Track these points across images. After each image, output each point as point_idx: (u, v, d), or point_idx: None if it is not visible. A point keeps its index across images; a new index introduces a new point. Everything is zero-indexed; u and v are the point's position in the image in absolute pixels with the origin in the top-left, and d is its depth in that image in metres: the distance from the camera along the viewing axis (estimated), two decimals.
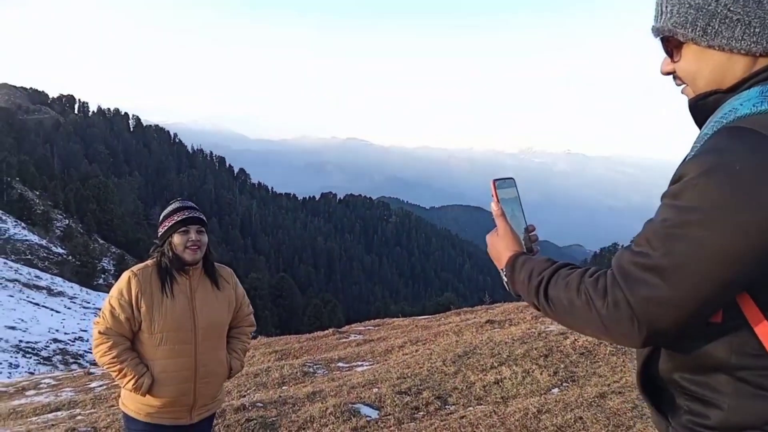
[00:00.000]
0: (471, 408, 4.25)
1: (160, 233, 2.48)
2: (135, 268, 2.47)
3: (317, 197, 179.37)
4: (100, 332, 2.37)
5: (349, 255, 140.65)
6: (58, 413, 5.87)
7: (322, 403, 4.60)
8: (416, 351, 6.83)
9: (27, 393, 8.48)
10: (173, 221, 2.44)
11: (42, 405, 6.24)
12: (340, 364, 6.88)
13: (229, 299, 2.62)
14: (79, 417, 5.44)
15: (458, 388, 4.69)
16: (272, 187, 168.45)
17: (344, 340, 9.31)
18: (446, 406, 4.36)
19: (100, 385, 8.30)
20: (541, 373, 4.71)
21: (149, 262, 2.50)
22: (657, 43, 0.99)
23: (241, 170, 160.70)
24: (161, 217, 2.52)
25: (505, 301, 12.85)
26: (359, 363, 6.87)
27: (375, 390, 4.83)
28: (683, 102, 1.01)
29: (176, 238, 2.42)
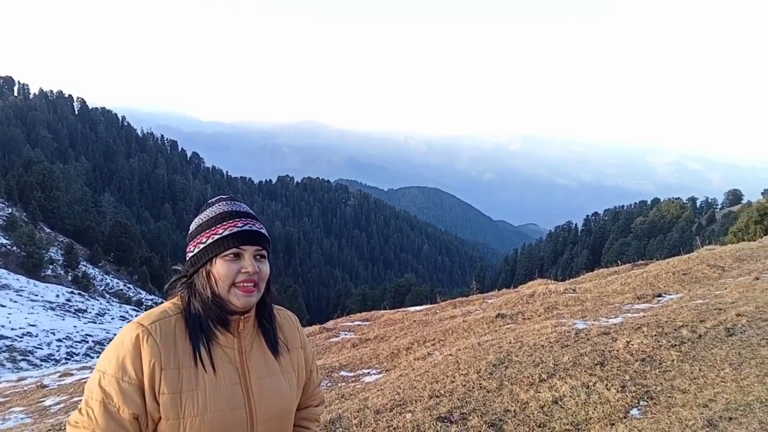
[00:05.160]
0: None
1: (191, 253, 1.42)
2: (144, 318, 1.37)
3: (274, 180, 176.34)
4: None
5: (308, 239, 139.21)
6: None
7: None
8: (429, 355, 6.02)
9: None
10: (218, 234, 1.39)
11: None
12: (344, 373, 6.01)
13: (298, 366, 1.56)
14: None
15: (510, 411, 3.88)
16: (227, 171, 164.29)
17: (335, 339, 8.42)
18: None
19: (56, 403, 7.19)
20: (607, 388, 3.94)
21: (168, 306, 1.42)
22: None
23: (195, 154, 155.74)
24: (196, 227, 1.45)
25: (500, 287, 12.23)
26: (366, 371, 6.01)
27: (408, 416, 3.98)
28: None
29: (221, 267, 1.38)
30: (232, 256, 1.38)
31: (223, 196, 1.51)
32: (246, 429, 1.37)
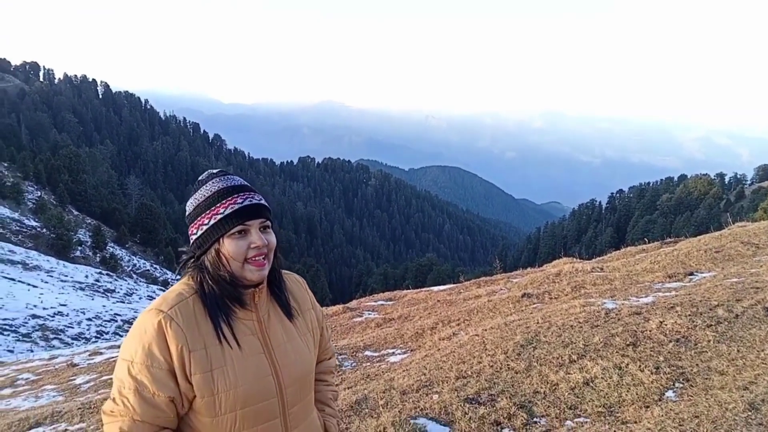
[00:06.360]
0: (570, 422, 3.36)
1: (196, 235, 1.39)
2: (162, 304, 1.34)
3: (295, 162, 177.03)
4: (123, 431, 1.29)
5: (329, 219, 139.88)
6: (40, 430, 4.86)
7: (375, 418, 3.68)
8: (454, 335, 5.95)
9: (2, 392, 7.48)
10: (220, 214, 1.36)
11: (19, 419, 5.21)
12: (369, 353, 5.98)
13: (312, 327, 1.60)
14: None
15: (540, 392, 3.79)
16: (249, 153, 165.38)
17: (358, 318, 8.41)
18: (535, 419, 3.46)
19: (86, 382, 7.32)
20: (640, 370, 3.82)
21: (182, 288, 1.39)
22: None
23: (216, 136, 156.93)
24: (193, 208, 1.41)
25: (523, 266, 12.08)
26: (390, 351, 5.97)
27: (435, 396, 3.92)
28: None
29: (230, 246, 1.36)
30: (238, 233, 1.37)
31: (213, 171, 1.48)
32: (276, 394, 1.40)
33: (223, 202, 1.37)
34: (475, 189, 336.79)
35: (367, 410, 3.90)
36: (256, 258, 1.37)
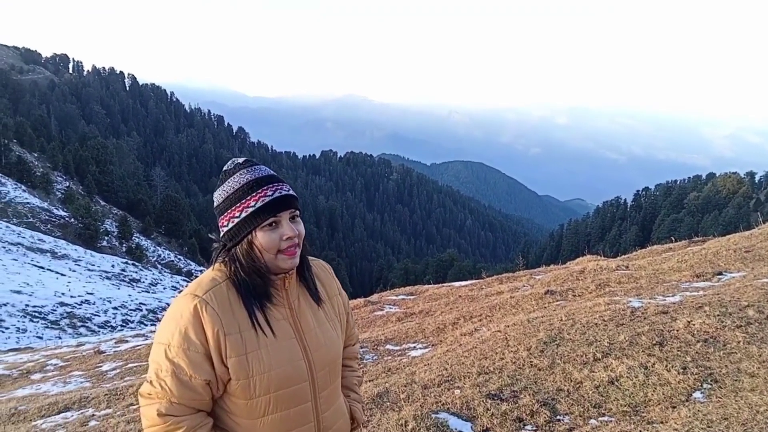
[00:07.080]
0: (594, 421, 3.32)
1: (227, 227, 1.41)
2: (197, 289, 1.37)
3: (317, 155, 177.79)
4: (161, 413, 1.32)
5: (351, 213, 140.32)
6: (68, 414, 4.98)
7: (396, 411, 3.68)
8: (476, 330, 5.92)
9: (32, 377, 7.67)
10: (251, 207, 1.37)
11: (48, 403, 5.34)
12: (390, 347, 5.98)
13: (339, 312, 1.63)
14: (92, 423, 4.55)
15: (563, 390, 3.76)
16: (272, 146, 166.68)
17: (380, 312, 8.42)
18: (558, 417, 3.43)
19: (113, 369, 7.46)
20: (667, 370, 3.76)
21: (215, 274, 1.42)
22: None
23: (240, 129, 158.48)
24: (222, 200, 1.42)
25: (545, 263, 11.98)
26: (411, 345, 5.97)
27: (457, 392, 3.91)
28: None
29: (263, 238, 1.37)
30: (270, 225, 1.38)
31: (239, 160, 1.48)
32: (307, 377, 1.44)
33: (254, 195, 1.38)
34: (497, 185, 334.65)
35: (388, 403, 3.90)
36: (289, 249, 1.40)
